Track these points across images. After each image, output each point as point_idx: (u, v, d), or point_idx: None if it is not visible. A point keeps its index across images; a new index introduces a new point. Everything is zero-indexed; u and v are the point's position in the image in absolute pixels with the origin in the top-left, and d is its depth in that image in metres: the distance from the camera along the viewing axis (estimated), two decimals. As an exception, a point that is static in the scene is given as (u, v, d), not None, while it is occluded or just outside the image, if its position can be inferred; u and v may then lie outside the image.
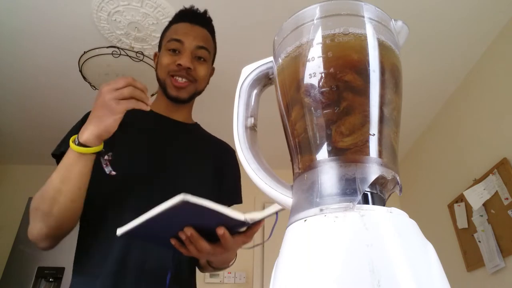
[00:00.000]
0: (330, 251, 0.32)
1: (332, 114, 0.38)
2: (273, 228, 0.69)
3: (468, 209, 2.21)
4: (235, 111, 0.49)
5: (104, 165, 0.78)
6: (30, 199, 2.84)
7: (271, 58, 0.49)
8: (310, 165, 0.39)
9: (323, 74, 0.39)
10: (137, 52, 1.84)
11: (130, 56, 1.82)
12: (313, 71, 0.39)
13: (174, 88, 0.96)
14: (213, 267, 0.88)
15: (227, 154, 1.06)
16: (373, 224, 0.33)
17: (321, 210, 0.35)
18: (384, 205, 0.38)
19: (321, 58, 0.39)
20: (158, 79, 1.00)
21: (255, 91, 0.51)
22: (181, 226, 0.63)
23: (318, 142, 0.39)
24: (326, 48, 0.40)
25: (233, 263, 0.88)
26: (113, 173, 0.78)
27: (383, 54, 0.41)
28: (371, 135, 0.38)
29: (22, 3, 1.91)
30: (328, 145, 0.38)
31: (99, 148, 0.73)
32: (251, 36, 2.07)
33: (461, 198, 2.28)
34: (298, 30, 0.43)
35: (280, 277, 0.35)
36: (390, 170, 0.38)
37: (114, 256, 0.78)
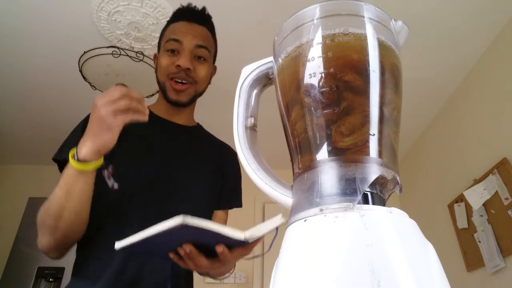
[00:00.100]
0: (330, 251, 0.32)
1: (332, 114, 0.38)
2: (272, 241, 0.69)
3: (468, 209, 2.20)
4: (235, 111, 0.49)
5: (107, 179, 0.78)
6: (30, 199, 2.86)
7: (271, 58, 0.49)
8: (310, 165, 0.39)
9: (323, 74, 0.39)
10: (137, 52, 1.84)
11: (130, 56, 1.82)
12: (313, 71, 0.39)
13: (173, 92, 0.93)
14: (211, 277, 0.88)
15: (228, 156, 1.04)
16: (373, 224, 0.33)
17: (321, 210, 0.35)
18: (384, 205, 0.38)
19: (321, 58, 0.39)
20: (158, 82, 0.97)
21: (255, 91, 0.51)
22: (180, 243, 0.63)
23: (318, 142, 0.39)
24: (326, 48, 0.40)
25: (231, 273, 0.87)
26: (116, 187, 0.77)
27: (383, 54, 0.41)
28: (371, 135, 0.38)
29: (22, 3, 1.91)
30: (328, 145, 0.38)
31: (99, 163, 0.71)
32: (251, 36, 2.07)
33: (461, 198, 2.28)
34: (298, 30, 0.43)
35: (280, 277, 0.35)
36: (390, 170, 0.38)
37: (114, 264, 0.77)
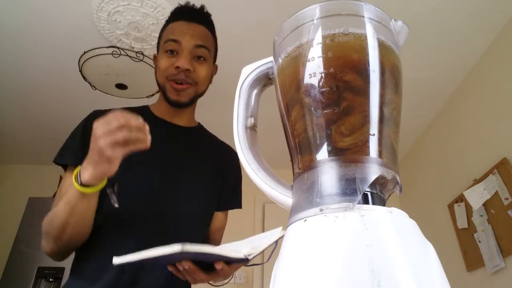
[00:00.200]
0: (330, 251, 0.32)
1: (332, 114, 0.38)
2: (271, 253, 0.69)
3: (468, 209, 2.21)
4: (235, 111, 0.49)
5: (111, 198, 0.78)
6: (30, 199, 2.86)
7: (271, 58, 0.49)
8: (310, 165, 0.39)
9: (323, 74, 0.39)
10: (137, 52, 1.84)
11: (130, 56, 1.82)
12: (313, 71, 0.39)
13: (174, 92, 0.92)
14: (210, 284, 0.89)
15: (229, 157, 1.03)
16: (373, 224, 0.33)
17: (321, 210, 0.35)
18: (384, 205, 0.38)
19: (321, 58, 0.39)
20: (158, 83, 0.96)
21: (255, 91, 0.51)
22: (180, 259, 0.63)
23: (318, 142, 0.39)
24: (326, 48, 0.40)
25: (229, 280, 0.88)
26: (116, 205, 0.78)
27: (383, 54, 0.41)
28: (371, 135, 0.38)
29: (22, 3, 1.91)
30: (328, 145, 0.38)
31: (102, 185, 0.71)
32: (251, 37, 2.07)
33: (461, 198, 2.28)
34: (298, 30, 0.43)
35: (280, 277, 0.35)
36: (390, 170, 0.38)
37: (112, 268, 0.77)
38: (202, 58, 0.94)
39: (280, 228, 0.63)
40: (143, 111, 1.00)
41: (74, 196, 0.71)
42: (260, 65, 0.50)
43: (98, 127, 0.65)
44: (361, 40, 0.40)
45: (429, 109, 2.68)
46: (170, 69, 0.91)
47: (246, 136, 0.48)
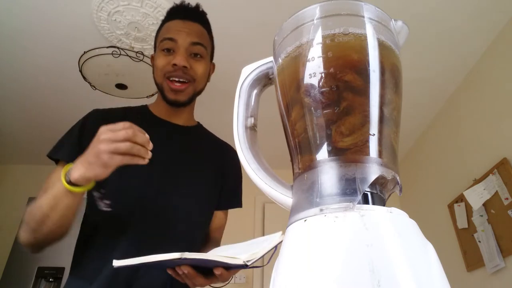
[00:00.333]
0: (330, 251, 0.32)
1: (332, 114, 0.38)
2: (271, 257, 0.70)
3: (468, 209, 2.21)
4: (235, 111, 0.49)
5: (98, 202, 0.78)
6: (30, 199, 2.86)
7: (271, 58, 0.49)
8: (310, 165, 0.39)
9: (323, 74, 0.39)
10: (137, 52, 1.84)
11: (130, 56, 1.82)
12: (313, 71, 0.39)
13: (171, 92, 0.92)
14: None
15: (229, 156, 1.03)
16: (373, 224, 0.33)
17: (321, 210, 0.35)
18: (384, 205, 0.38)
19: (321, 58, 0.39)
20: (156, 83, 0.96)
21: (255, 91, 0.51)
22: (179, 264, 0.64)
23: (318, 142, 0.39)
24: (326, 48, 0.40)
25: (229, 282, 0.88)
26: (105, 209, 0.77)
27: (383, 54, 0.41)
28: (371, 135, 0.38)
29: (22, 3, 1.91)
30: (328, 145, 0.38)
31: (89, 187, 0.71)
32: (251, 36, 2.07)
33: (461, 198, 2.28)
34: (298, 30, 0.43)
35: (280, 277, 0.35)
36: (390, 170, 0.38)
37: (111, 264, 0.78)
38: (198, 56, 0.95)
39: (280, 232, 0.63)
40: (142, 111, 1.00)
41: (59, 191, 0.71)
42: (260, 65, 0.50)
43: (105, 132, 0.66)
44: (361, 40, 0.40)
45: (429, 109, 2.68)
46: (167, 67, 0.91)
47: (246, 136, 0.48)
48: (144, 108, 1.02)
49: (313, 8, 0.42)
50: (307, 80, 0.40)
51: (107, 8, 1.91)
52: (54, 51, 2.22)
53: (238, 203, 1.04)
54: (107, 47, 1.81)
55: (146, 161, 0.68)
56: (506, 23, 1.97)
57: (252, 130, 0.49)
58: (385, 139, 0.39)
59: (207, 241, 0.96)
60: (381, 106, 0.39)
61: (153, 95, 2.08)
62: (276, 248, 0.63)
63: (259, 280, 3.08)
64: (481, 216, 2.07)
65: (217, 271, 0.64)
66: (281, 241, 0.62)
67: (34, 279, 2.52)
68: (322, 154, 0.38)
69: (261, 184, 0.44)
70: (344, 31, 0.40)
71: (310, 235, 0.34)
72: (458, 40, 2.09)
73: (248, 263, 0.59)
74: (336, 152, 0.38)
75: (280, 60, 0.45)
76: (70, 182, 0.69)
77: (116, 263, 0.60)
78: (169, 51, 0.92)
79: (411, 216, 0.37)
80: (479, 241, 2.06)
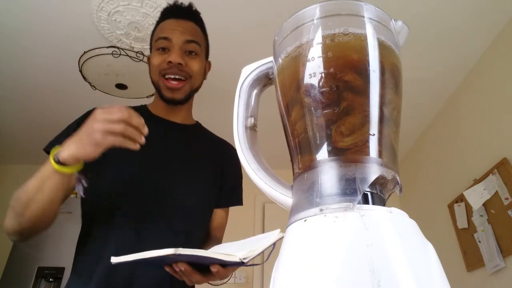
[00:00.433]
0: (330, 251, 0.32)
1: (332, 114, 0.38)
2: (270, 253, 0.70)
3: (468, 209, 2.21)
4: (235, 111, 0.49)
5: (77, 183, 0.77)
6: (30, 199, 2.85)
7: (271, 58, 0.49)
8: (310, 165, 0.39)
9: (323, 74, 0.39)
10: (137, 52, 1.84)
11: (130, 56, 1.82)
12: (313, 71, 0.39)
13: (168, 90, 0.93)
14: (209, 283, 0.89)
15: (228, 154, 1.03)
16: (373, 224, 0.33)
17: (321, 210, 0.35)
18: (384, 205, 0.38)
19: (321, 58, 0.39)
20: (153, 82, 0.97)
21: (255, 91, 0.51)
22: (175, 261, 0.64)
23: (318, 142, 0.39)
24: (326, 48, 0.40)
25: (228, 280, 0.88)
26: (82, 194, 0.77)
27: (383, 54, 0.41)
28: (371, 135, 0.38)
29: (22, 3, 1.91)
30: (328, 145, 0.38)
31: (77, 168, 0.71)
32: (251, 36, 2.07)
33: (461, 198, 2.28)
34: (298, 30, 0.43)
35: (280, 277, 0.35)
36: (390, 170, 0.38)
37: (107, 260, 0.77)
38: (193, 53, 0.96)
39: (278, 230, 0.63)
40: (141, 110, 1.01)
41: (46, 172, 0.71)
42: (260, 65, 0.50)
43: (100, 112, 0.67)
44: (361, 40, 0.40)
45: (429, 109, 2.68)
46: (162, 65, 0.92)
47: (246, 136, 0.48)
48: (143, 107, 1.03)
49: (313, 8, 0.42)
50: (307, 80, 0.40)
51: (107, 8, 1.91)
52: (54, 51, 2.22)
53: (238, 201, 1.04)
54: (107, 47, 1.81)
55: (137, 147, 0.69)
56: (506, 23, 1.97)
57: (252, 130, 0.49)
58: (385, 139, 0.39)
59: (208, 239, 0.96)
60: (381, 106, 0.39)
61: (152, 95, 2.08)
62: (274, 245, 0.63)
63: (259, 280, 3.08)
64: (481, 216, 2.07)
65: (214, 268, 0.64)
66: (280, 238, 0.62)
67: (34, 279, 2.52)
68: (322, 154, 0.38)
69: (261, 184, 0.44)
70: (344, 31, 0.40)
71: (310, 235, 0.34)
72: (458, 40, 2.09)
73: (245, 261, 0.59)
74: (336, 152, 0.38)
75: (280, 60, 0.45)
76: (58, 162, 0.69)
77: (114, 259, 0.60)
78: (164, 49, 0.94)
79: (411, 216, 0.37)
80: (479, 241, 2.06)
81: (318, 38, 0.40)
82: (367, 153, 0.37)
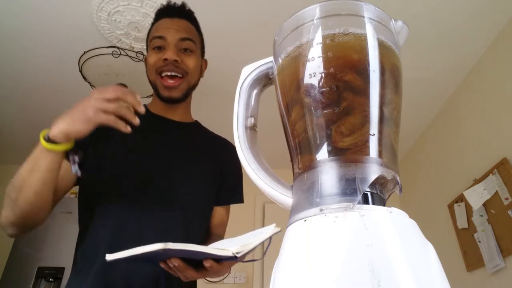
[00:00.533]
0: (330, 251, 0.32)
1: (332, 114, 0.38)
2: (266, 249, 0.69)
3: (468, 209, 2.20)
4: (235, 111, 0.49)
5: (71, 163, 0.78)
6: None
7: (271, 58, 0.49)
8: (310, 165, 0.39)
9: (323, 74, 0.39)
10: (137, 52, 1.84)
11: (130, 56, 1.82)
12: (313, 71, 0.39)
13: (165, 89, 0.94)
14: (207, 280, 0.88)
15: (228, 152, 1.03)
16: (373, 224, 0.33)
17: (321, 210, 0.35)
18: (384, 205, 0.38)
19: (321, 58, 0.39)
20: (150, 82, 0.98)
21: (255, 91, 0.51)
22: (169, 257, 0.63)
23: (318, 142, 0.39)
24: (326, 48, 0.40)
25: (227, 276, 0.87)
26: (79, 173, 0.77)
27: (383, 54, 0.41)
28: (371, 135, 0.38)
29: (22, 3, 1.91)
30: (328, 145, 0.38)
31: (66, 146, 0.71)
32: (251, 36, 2.07)
33: (461, 198, 2.28)
34: (298, 30, 0.43)
35: (280, 277, 0.35)
36: (390, 170, 0.38)
37: (102, 257, 0.77)
38: (188, 50, 0.97)
39: (274, 224, 0.63)
40: None
41: (38, 153, 0.71)
42: (260, 65, 0.50)
43: (95, 92, 0.70)
44: (361, 40, 0.40)
45: (429, 109, 2.68)
46: (158, 63, 0.93)
47: (246, 136, 0.48)
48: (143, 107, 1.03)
49: (313, 8, 0.42)
50: (307, 80, 0.40)
51: (107, 8, 1.91)
52: (54, 51, 2.22)
53: (238, 199, 1.04)
54: (107, 47, 1.81)
55: (128, 129, 0.70)
56: (506, 23, 1.97)
57: (252, 130, 0.49)
58: (385, 139, 0.39)
59: (209, 237, 0.96)
60: (381, 106, 0.39)
61: (152, 95, 2.08)
62: (270, 240, 0.63)
63: (259, 280, 3.08)
64: (481, 216, 2.07)
65: (207, 263, 0.63)
66: (276, 233, 0.62)
67: (34, 279, 2.52)
68: (322, 154, 0.38)
69: (261, 184, 0.44)
70: (344, 31, 0.40)
71: (310, 235, 0.34)
72: (458, 40, 2.09)
73: (238, 255, 0.59)
74: (336, 152, 0.38)
75: (280, 60, 0.45)
76: (49, 140, 0.69)
77: (109, 257, 0.60)
78: (159, 48, 0.95)
79: (411, 216, 0.37)
80: (479, 241, 2.06)
81: (318, 38, 0.40)
82: (367, 153, 0.37)
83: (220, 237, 0.99)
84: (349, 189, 0.35)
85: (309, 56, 0.40)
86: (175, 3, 1.03)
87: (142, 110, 0.71)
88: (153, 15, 1.05)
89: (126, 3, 1.88)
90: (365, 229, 0.32)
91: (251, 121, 0.49)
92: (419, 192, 2.87)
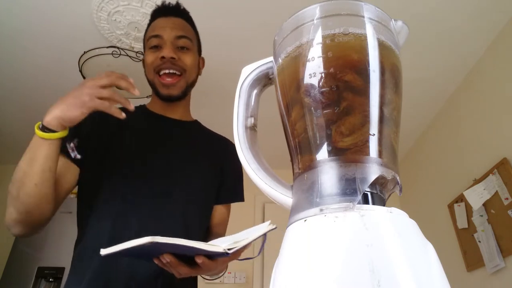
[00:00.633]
0: (330, 251, 0.32)
1: (332, 114, 0.38)
2: (261, 247, 0.69)
3: (468, 209, 2.20)
4: (235, 111, 0.49)
5: (70, 150, 0.78)
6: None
7: (271, 58, 0.49)
8: (310, 165, 0.39)
9: (323, 74, 0.39)
10: (137, 52, 1.84)
11: (130, 56, 1.82)
12: (313, 71, 0.39)
13: (163, 87, 0.95)
14: (203, 277, 0.88)
15: (227, 151, 1.03)
16: (373, 224, 0.33)
17: (321, 210, 0.35)
18: (384, 205, 0.38)
19: (321, 58, 0.39)
20: (149, 81, 0.99)
21: (255, 91, 0.51)
22: (161, 252, 0.63)
23: (318, 142, 0.39)
24: (326, 48, 0.40)
25: (224, 273, 0.87)
26: (78, 156, 0.77)
27: (383, 54, 0.41)
28: (371, 135, 0.38)
29: (22, 3, 1.91)
30: (328, 145, 0.38)
31: (61, 134, 0.71)
32: (251, 36, 2.07)
33: (461, 198, 2.28)
34: (298, 30, 0.43)
35: (280, 277, 0.35)
36: (390, 170, 0.38)
37: (98, 258, 0.77)
38: (185, 48, 0.97)
39: (268, 222, 0.63)
40: (139, 109, 1.02)
41: (34, 144, 0.71)
42: (260, 65, 0.50)
43: (89, 79, 0.71)
44: (361, 40, 0.40)
45: (429, 109, 2.68)
46: (156, 61, 0.94)
47: (246, 136, 0.48)
48: (142, 107, 1.04)
49: (313, 8, 0.42)
50: (307, 80, 0.40)
51: (107, 8, 1.91)
52: (54, 51, 2.22)
53: (239, 198, 1.04)
54: (107, 47, 1.81)
55: (123, 116, 0.71)
56: (506, 23, 1.97)
57: (252, 130, 0.49)
58: (385, 139, 0.39)
59: (209, 236, 0.96)
60: (381, 106, 0.39)
61: (149, 96, 2.08)
62: (265, 237, 0.63)
63: (259, 280, 3.08)
64: (481, 216, 2.07)
65: (199, 260, 0.63)
66: (270, 230, 0.61)
67: (34, 279, 2.52)
68: (322, 154, 0.38)
69: (261, 184, 0.44)
70: (344, 31, 0.40)
71: (310, 235, 0.34)
72: (458, 40, 2.09)
73: (229, 252, 0.59)
74: (336, 152, 0.38)
75: (280, 60, 0.45)
76: (43, 129, 0.69)
77: (103, 251, 0.60)
78: (156, 47, 0.95)
79: (411, 216, 0.37)
80: (479, 241, 2.06)
81: (318, 38, 0.40)
82: (367, 153, 0.37)
83: (221, 236, 0.99)
84: (349, 189, 0.35)
85: (309, 56, 0.40)
86: (169, 2, 1.04)
87: (136, 92, 0.72)
88: (152, 15, 1.05)
89: (126, 3, 1.88)
90: (365, 229, 0.32)
91: (251, 121, 0.49)
92: (419, 192, 2.87)
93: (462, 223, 2.26)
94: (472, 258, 2.15)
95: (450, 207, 2.42)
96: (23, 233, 0.79)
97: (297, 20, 0.43)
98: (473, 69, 2.27)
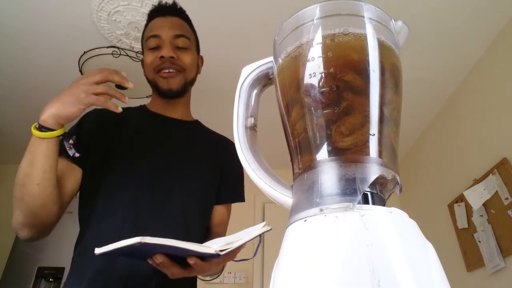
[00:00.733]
0: (330, 251, 0.32)
1: (332, 114, 0.38)
2: (257, 248, 0.69)
3: (468, 209, 2.20)
4: (235, 111, 0.49)
5: (68, 148, 0.78)
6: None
7: (271, 58, 0.49)
8: (310, 165, 0.39)
9: (323, 74, 0.39)
10: (137, 52, 1.84)
11: (130, 56, 1.82)
12: (313, 71, 0.39)
13: (163, 80, 0.94)
14: (201, 279, 0.88)
15: (228, 151, 1.02)
16: (373, 224, 0.33)
17: (321, 210, 0.35)
18: (384, 205, 0.38)
19: (321, 58, 0.39)
20: (148, 81, 0.99)
21: (255, 91, 0.51)
22: (154, 252, 0.63)
23: (318, 142, 0.39)
24: (326, 48, 0.40)
25: (220, 273, 0.87)
26: (77, 155, 0.77)
27: (383, 54, 0.41)
28: (371, 135, 0.38)
29: (22, 3, 1.91)
30: (328, 145, 0.38)
31: (58, 132, 0.72)
32: (251, 36, 2.07)
33: (461, 198, 2.28)
34: (298, 30, 0.43)
35: (280, 277, 0.35)
36: (390, 170, 0.38)
37: (95, 262, 0.76)
38: (183, 48, 0.97)
39: (263, 223, 0.63)
40: (139, 110, 1.02)
41: (32, 144, 0.72)
42: (260, 65, 0.50)
43: (82, 77, 0.72)
44: (361, 40, 0.40)
45: (429, 109, 2.68)
46: (155, 61, 0.94)
47: (246, 136, 0.48)
48: (142, 106, 1.05)
49: (313, 8, 0.42)
50: (307, 80, 0.40)
51: (107, 8, 1.91)
52: (54, 51, 2.22)
53: (239, 198, 1.04)
54: (107, 47, 1.81)
55: (119, 109, 0.73)
56: (506, 23, 1.97)
57: (252, 130, 0.49)
58: (385, 139, 0.39)
59: (209, 236, 0.96)
60: (381, 106, 0.39)
61: (148, 96, 2.08)
62: (261, 238, 0.63)
63: (259, 280, 3.08)
64: (481, 216, 2.07)
65: (191, 261, 0.62)
66: (265, 231, 0.61)
67: (34, 279, 2.52)
68: (322, 154, 0.38)
69: (261, 184, 0.44)
70: (344, 31, 0.40)
71: (310, 235, 0.34)
72: (458, 40, 2.09)
73: (221, 253, 0.58)
74: (336, 152, 0.38)
75: (280, 60, 0.45)
76: (40, 128, 0.70)
77: (98, 250, 0.60)
78: (155, 48, 0.96)
79: (411, 216, 0.37)
80: (479, 241, 2.06)
81: (318, 38, 0.40)
82: (367, 153, 0.37)
83: (221, 236, 0.99)
84: (349, 189, 0.35)
85: (309, 56, 0.40)
86: (166, 2, 1.04)
87: (130, 85, 0.74)
88: (152, 15, 1.05)
89: (126, 3, 1.88)
90: (365, 229, 0.32)
91: (251, 121, 0.49)
92: (419, 192, 2.87)
93: (462, 223, 2.26)
94: (472, 258, 2.16)
95: (450, 207, 2.42)
96: (30, 236, 0.79)
97: (297, 20, 0.43)
98: (473, 69, 2.27)
